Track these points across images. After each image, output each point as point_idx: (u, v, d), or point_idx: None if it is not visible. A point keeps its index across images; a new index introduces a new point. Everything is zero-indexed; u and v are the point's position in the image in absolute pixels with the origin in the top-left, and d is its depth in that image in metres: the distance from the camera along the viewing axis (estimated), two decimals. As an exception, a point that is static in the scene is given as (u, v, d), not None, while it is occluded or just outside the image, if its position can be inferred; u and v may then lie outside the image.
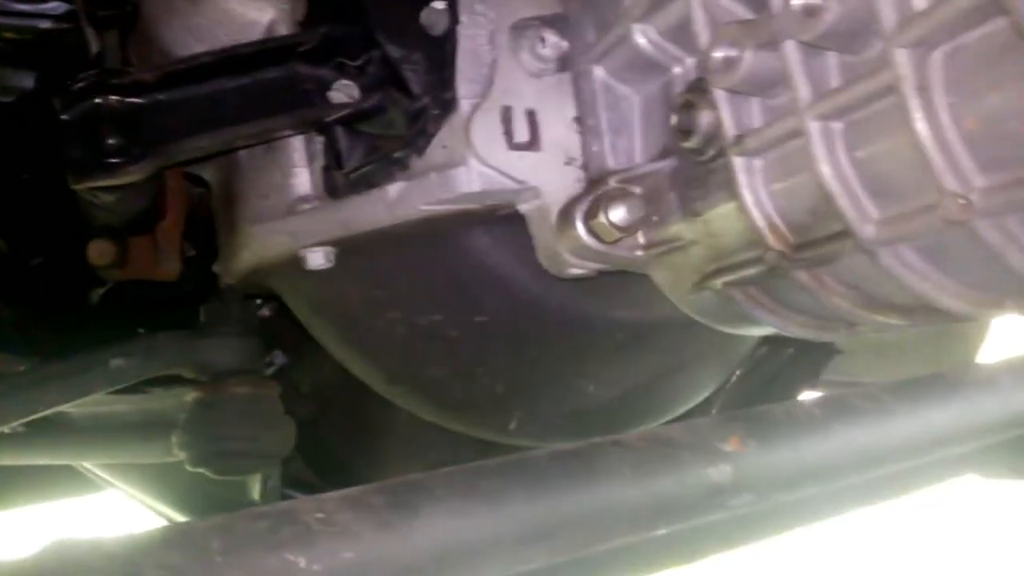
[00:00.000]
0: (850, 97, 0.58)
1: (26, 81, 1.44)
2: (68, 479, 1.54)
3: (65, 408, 1.21)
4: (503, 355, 0.97)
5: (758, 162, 0.66)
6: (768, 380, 1.45)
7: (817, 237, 0.64)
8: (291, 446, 1.01)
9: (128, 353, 0.90)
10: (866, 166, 0.60)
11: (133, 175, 0.76)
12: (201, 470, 0.92)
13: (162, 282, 1.10)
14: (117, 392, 0.99)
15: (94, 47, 0.86)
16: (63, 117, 0.73)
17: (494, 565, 0.45)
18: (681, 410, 1.16)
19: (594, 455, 0.50)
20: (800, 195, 0.64)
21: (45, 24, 1.71)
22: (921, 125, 0.54)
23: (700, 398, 1.19)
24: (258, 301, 1.31)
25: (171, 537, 0.43)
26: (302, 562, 0.42)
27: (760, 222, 0.67)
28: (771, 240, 0.67)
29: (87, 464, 1.34)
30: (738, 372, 1.47)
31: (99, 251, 0.89)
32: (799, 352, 1.40)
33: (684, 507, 0.51)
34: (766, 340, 1.45)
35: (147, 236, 0.96)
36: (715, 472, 0.51)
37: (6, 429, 1.22)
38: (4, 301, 1.48)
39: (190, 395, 0.94)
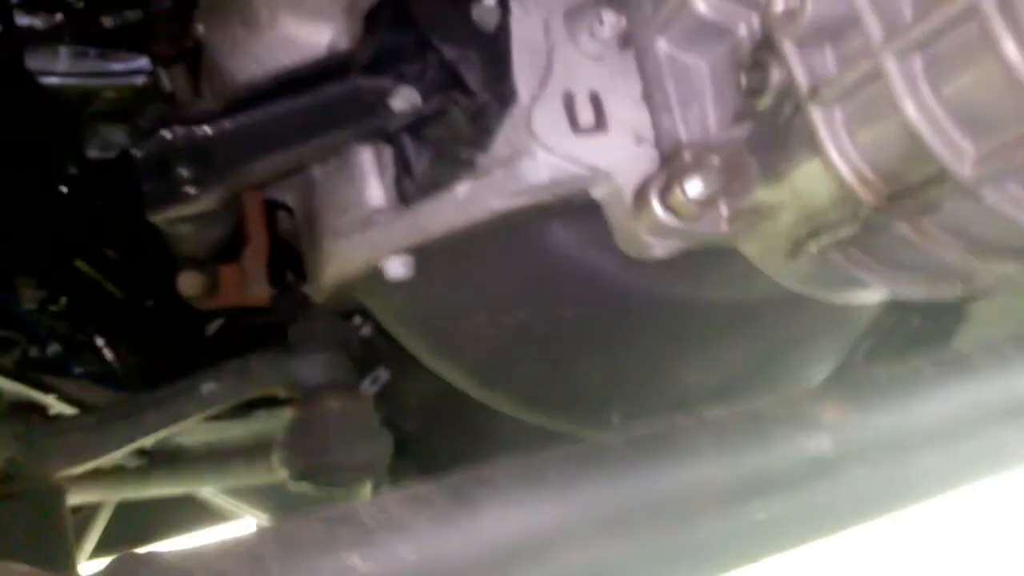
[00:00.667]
0: (927, 28, 0.53)
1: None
2: (201, 510, 1.61)
3: (179, 439, 1.25)
4: (595, 348, 0.94)
5: (838, 113, 0.61)
6: (898, 353, 1.36)
7: (912, 183, 0.59)
8: (387, 458, 1.01)
9: (220, 377, 0.93)
10: (954, 100, 0.55)
11: (206, 203, 0.77)
12: (303, 485, 0.93)
13: (267, 308, 1.13)
14: (224, 418, 1.01)
15: (167, 86, 0.89)
16: (134, 153, 0.75)
17: (569, 558, 0.43)
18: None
19: (674, 435, 0.47)
20: (887, 141, 0.59)
21: (139, 80, 1.80)
22: (1009, 45, 0.49)
23: (818, 377, 1.12)
24: (357, 320, 1.33)
25: (228, 546, 0.42)
26: (359, 563, 0.40)
27: (848, 175, 0.62)
28: (863, 193, 0.62)
29: (217, 494, 1.39)
30: (863, 349, 1.39)
31: (189, 282, 0.91)
32: (925, 320, 1.31)
33: (778, 483, 0.47)
34: (891, 312, 1.37)
35: (234, 264, 0.99)
36: (812, 444, 0.47)
37: (127, 463, 1.27)
38: (127, 347, 1.56)
39: (288, 413, 0.95)
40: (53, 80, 1.80)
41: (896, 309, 1.26)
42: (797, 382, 1.09)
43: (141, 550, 0.45)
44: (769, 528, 0.48)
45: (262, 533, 0.45)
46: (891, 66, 0.56)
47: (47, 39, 1.39)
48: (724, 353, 0.99)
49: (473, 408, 1.12)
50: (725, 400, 1.01)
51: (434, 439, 1.34)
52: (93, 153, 1.80)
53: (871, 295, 0.80)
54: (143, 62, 1.86)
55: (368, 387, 1.34)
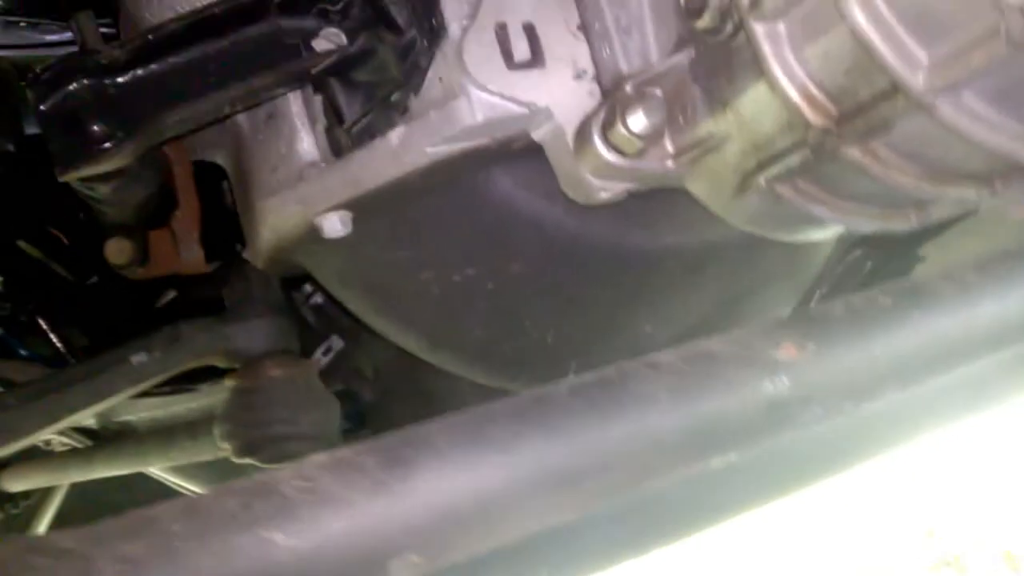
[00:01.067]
0: (873, -79, 0.49)
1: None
2: (161, 493, 1.56)
3: (129, 417, 1.20)
4: (547, 302, 0.90)
5: (782, 26, 0.57)
6: (852, 299, 1.34)
7: (862, 100, 0.55)
8: (336, 425, 0.96)
9: (150, 347, 0.88)
10: (905, 2, 0.50)
11: (121, 159, 0.72)
12: (247, 460, 0.89)
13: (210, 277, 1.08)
14: (167, 393, 0.97)
15: (75, 35, 0.83)
16: (40, 109, 0.70)
17: (514, 521, 0.39)
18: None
19: (623, 382, 0.43)
20: (835, 54, 0.55)
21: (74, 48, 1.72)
22: (963, -68, 0.45)
23: (777, 323, 1.09)
24: (308, 289, 1.28)
25: (133, 525, 0.38)
26: (280, 538, 0.36)
27: (795, 96, 0.58)
28: (811, 115, 0.58)
29: (164, 475, 1.34)
30: (818, 294, 1.37)
31: (117, 249, 0.86)
32: (877, 264, 1.28)
33: (737, 430, 0.43)
34: (842, 258, 1.34)
35: (165, 229, 0.93)
36: (770, 385, 0.43)
37: (73, 443, 1.22)
38: (76, 327, 1.50)
39: (227, 384, 0.90)
40: (-19, 54, 1.72)
41: (848, 254, 1.24)
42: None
43: (35, 535, 0.40)
44: (729, 482, 0.45)
45: (170, 507, 0.41)
46: (836, -30, 0.51)
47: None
48: (681, 302, 0.95)
49: (430, 373, 1.08)
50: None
51: (392, 407, 1.30)
52: (30, 129, 1.72)
53: (823, 232, 0.77)
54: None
55: (321, 357, 1.30)
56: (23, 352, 1.51)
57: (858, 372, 0.46)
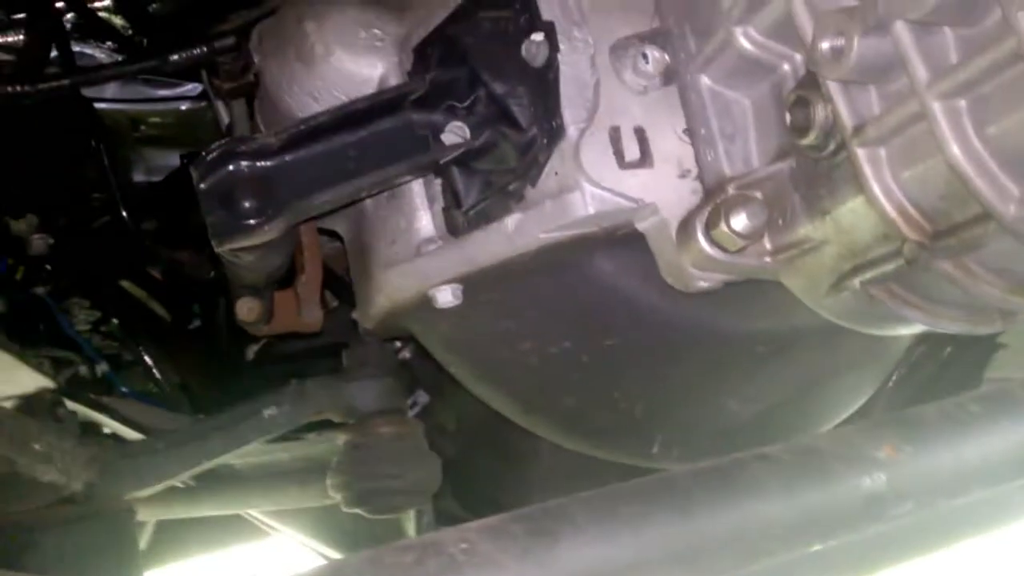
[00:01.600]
0: (972, 71, 0.54)
1: (172, 160, 1.57)
2: (238, 527, 1.63)
3: (230, 460, 1.28)
4: (638, 377, 0.95)
5: (883, 151, 0.63)
6: (929, 382, 1.36)
7: (956, 222, 0.60)
8: (438, 482, 1.03)
9: (279, 402, 0.96)
10: (999, 141, 0.56)
11: (269, 233, 0.81)
12: (356, 510, 0.96)
13: (309, 334, 1.16)
14: (275, 440, 1.04)
15: (225, 119, 0.92)
16: (200, 186, 0.79)
17: None
18: (837, 419, 1.10)
19: (738, 471, 0.48)
20: (932, 181, 0.60)
21: (184, 106, 1.86)
22: (1057, 89, 0.50)
23: (856, 406, 1.13)
24: (398, 344, 1.36)
25: (326, 572, 0.44)
26: None
27: (892, 213, 0.63)
28: (906, 230, 0.63)
29: (253, 512, 1.41)
30: (895, 376, 1.39)
31: (247, 309, 0.95)
32: (957, 349, 1.31)
33: (838, 520, 0.48)
34: (922, 340, 1.37)
35: (289, 291, 1.02)
36: (869, 481, 0.48)
37: (178, 483, 1.31)
38: (171, 366, 1.60)
39: (340, 438, 0.98)
40: (102, 106, 1.87)
41: (928, 338, 1.26)
42: (836, 410, 1.10)
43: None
44: (826, 563, 0.49)
45: (356, 561, 0.46)
46: (936, 107, 0.57)
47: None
48: (765, 382, 0.99)
49: (509, 431, 1.14)
50: (766, 428, 1.03)
51: (473, 463, 1.36)
52: (139, 177, 1.86)
53: (911, 328, 0.81)
54: (188, 88, 1.92)
55: (408, 410, 1.37)
56: (123, 389, 1.61)
57: (949, 473, 0.51)
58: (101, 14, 1.65)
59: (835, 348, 0.98)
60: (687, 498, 0.45)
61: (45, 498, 0.81)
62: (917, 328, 0.83)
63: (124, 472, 0.90)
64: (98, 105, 1.81)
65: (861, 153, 0.62)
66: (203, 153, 0.81)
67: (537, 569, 0.42)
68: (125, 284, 1.61)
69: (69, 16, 1.66)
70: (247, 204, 0.79)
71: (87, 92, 1.73)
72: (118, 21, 1.70)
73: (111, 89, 1.93)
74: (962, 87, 0.56)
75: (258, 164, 0.81)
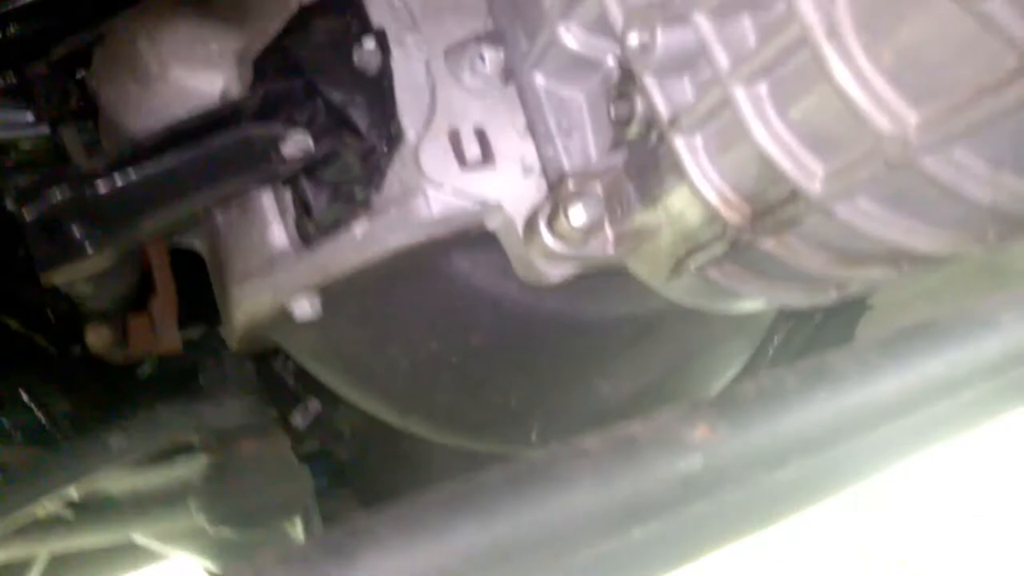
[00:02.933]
0: (767, 56, 0.56)
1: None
2: (136, 554, 1.58)
3: (108, 487, 1.24)
4: (508, 370, 0.96)
5: (698, 139, 0.64)
6: (805, 346, 1.41)
7: (771, 203, 0.63)
8: (305, 496, 1.01)
9: (128, 430, 0.92)
10: (800, 123, 0.58)
11: (100, 263, 0.77)
12: (222, 531, 0.93)
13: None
14: (144, 465, 1.01)
15: (61, 144, 0.88)
16: (23, 216, 0.75)
17: None
18: (713, 390, 1.14)
19: (550, 467, 0.49)
20: (745, 164, 0.62)
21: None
22: (839, 71, 0.52)
23: (730, 375, 1.16)
24: (285, 356, 1.33)
25: None
26: None
27: (713, 198, 0.65)
28: (727, 213, 0.65)
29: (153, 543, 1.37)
30: (775, 342, 1.44)
31: (96, 336, 0.91)
32: (827, 314, 1.36)
33: (654, 505, 0.49)
34: (793, 311, 1.42)
35: (143, 314, 0.98)
36: (684, 464, 0.50)
37: (59, 514, 1.25)
38: (58, 395, 1.53)
39: (202, 459, 0.95)
40: (-39, 134, 1.76)
41: (796, 310, 1.31)
42: (710, 382, 1.13)
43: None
44: (648, 550, 0.50)
45: None
46: (738, 92, 0.59)
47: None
48: (635, 364, 1.02)
49: (404, 434, 1.13)
50: (641, 407, 1.05)
51: (370, 466, 1.35)
52: (11, 205, 1.76)
53: (755, 304, 0.84)
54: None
55: (299, 419, 1.35)
56: (4, 422, 1.54)
57: (766, 447, 0.52)
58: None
59: (699, 325, 1.01)
60: (495, 500, 0.46)
61: None
62: (761, 303, 0.86)
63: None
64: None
65: (678, 142, 0.64)
66: (22, 180, 0.77)
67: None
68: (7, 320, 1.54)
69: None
70: (74, 231, 0.76)
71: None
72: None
73: (-29, 115, 1.83)
74: (760, 72, 0.58)
75: (85, 188, 0.77)
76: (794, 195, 0.61)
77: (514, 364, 0.96)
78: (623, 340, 0.97)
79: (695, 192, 0.65)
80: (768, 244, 0.65)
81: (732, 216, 0.64)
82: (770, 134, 0.59)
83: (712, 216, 0.66)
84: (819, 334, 1.45)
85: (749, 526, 0.54)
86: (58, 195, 0.75)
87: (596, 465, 0.47)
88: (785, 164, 0.59)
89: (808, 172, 0.59)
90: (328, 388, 1.33)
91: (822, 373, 0.57)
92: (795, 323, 1.45)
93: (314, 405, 1.37)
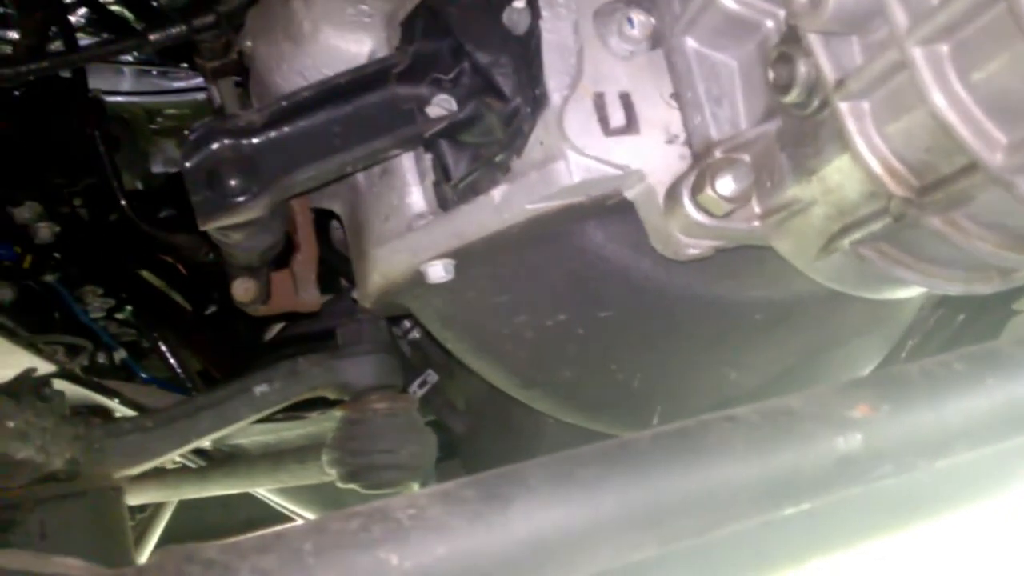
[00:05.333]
0: (953, 14, 0.52)
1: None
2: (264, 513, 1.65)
3: (240, 441, 1.30)
4: (635, 349, 0.94)
5: (866, 105, 0.61)
6: (942, 349, 1.33)
7: (943, 176, 0.59)
8: (433, 457, 1.03)
9: (271, 379, 0.96)
10: (983, 87, 0.54)
11: (255, 211, 0.80)
12: (351, 485, 0.96)
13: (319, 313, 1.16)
14: (279, 419, 1.04)
15: (216, 100, 0.92)
16: (185, 166, 0.79)
17: (597, 555, 0.43)
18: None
19: (703, 433, 0.47)
20: (916, 133, 0.59)
21: (200, 96, 1.87)
22: (1038, 29, 0.48)
23: (863, 373, 1.11)
24: (407, 324, 1.36)
25: (267, 541, 0.44)
26: (394, 559, 0.41)
27: (878, 168, 0.61)
28: (893, 186, 0.61)
29: (267, 496, 1.43)
30: (909, 344, 1.37)
31: (243, 289, 0.95)
32: (971, 316, 1.28)
33: (810, 482, 0.46)
34: (936, 307, 1.34)
35: (285, 271, 1.02)
36: (843, 441, 0.47)
37: (190, 463, 1.32)
38: (190, 352, 1.62)
39: (337, 414, 0.98)
40: (118, 99, 1.89)
41: (940, 306, 1.24)
42: (841, 378, 1.07)
43: (184, 545, 0.47)
44: (800, 530, 0.48)
45: (301, 528, 0.47)
46: (917, 54, 0.55)
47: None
48: (766, 352, 0.98)
49: (518, 408, 1.13)
50: (768, 398, 1.01)
51: (481, 439, 1.36)
52: (157, 168, 1.88)
53: (908, 291, 0.79)
54: (202, 79, 1.92)
55: (417, 389, 1.37)
56: (143, 375, 1.64)
57: (929, 433, 0.49)
58: (113, 7, 1.66)
59: (837, 315, 0.97)
60: (647, 460, 0.44)
61: (25, 476, 0.82)
62: (914, 290, 0.81)
63: (110, 451, 0.90)
64: (114, 99, 1.83)
65: (844, 107, 0.61)
66: (187, 132, 0.81)
67: (487, 532, 0.41)
68: (145, 274, 1.63)
69: (82, 11, 1.68)
70: (232, 182, 0.79)
71: (102, 85, 1.75)
72: (130, 15, 1.71)
73: (127, 82, 1.95)
74: (943, 31, 0.54)
75: (242, 142, 0.80)
76: (971, 167, 0.56)
77: (641, 342, 0.94)
78: (756, 325, 0.94)
79: (858, 162, 0.62)
80: (935, 222, 0.61)
81: (898, 189, 0.60)
82: (949, 99, 0.55)
83: (874, 190, 0.63)
84: (960, 337, 1.36)
85: (903, 519, 0.50)
86: (218, 146, 0.78)
87: (750, 434, 0.45)
88: (964, 132, 0.55)
89: (989, 141, 0.54)
90: (444, 362, 1.35)
91: (993, 359, 0.53)
92: (934, 324, 1.37)
93: (431, 377, 1.39)
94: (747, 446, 0.45)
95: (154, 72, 2.00)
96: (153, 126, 1.93)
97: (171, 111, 1.94)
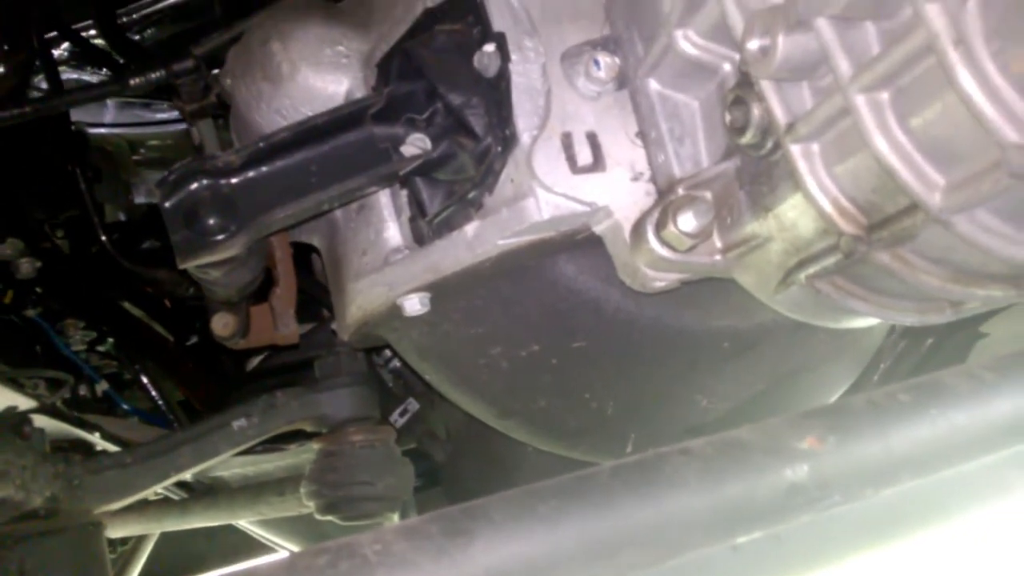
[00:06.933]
0: (890, 64, 0.56)
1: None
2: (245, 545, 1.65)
3: (222, 473, 1.31)
4: (607, 377, 0.97)
5: (815, 147, 0.64)
6: (912, 373, 1.36)
7: (888, 214, 0.62)
8: (409, 488, 1.04)
9: (249, 414, 0.97)
10: (921, 133, 0.57)
11: (233, 249, 0.82)
12: (329, 517, 0.97)
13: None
14: (258, 452, 1.06)
15: (196, 139, 0.95)
16: (164, 206, 0.81)
17: None
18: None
19: (658, 465, 0.49)
20: (862, 174, 0.62)
21: (182, 127, 1.89)
22: (966, 79, 0.51)
23: (831, 398, 1.13)
24: (387, 354, 1.38)
25: None
26: None
27: (828, 207, 0.64)
28: (842, 224, 0.64)
29: (248, 527, 1.43)
30: (881, 367, 1.39)
31: (222, 324, 0.96)
32: (938, 340, 1.31)
33: (761, 512, 0.49)
34: (905, 333, 1.37)
35: (264, 304, 1.04)
36: (791, 472, 0.49)
37: (172, 496, 1.32)
38: (173, 382, 1.62)
39: (315, 446, 0.99)
40: (101, 131, 1.90)
41: (908, 331, 1.27)
42: (810, 404, 1.10)
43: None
44: (752, 558, 0.50)
45: (272, 566, 0.48)
46: (859, 100, 0.58)
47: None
48: (735, 379, 1.00)
49: (498, 437, 1.15)
50: (739, 424, 1.03)
51: (462, 467, 1.37)
52: (140, 199, 1.89)
53: (868, 320, 0.82)
54: (187, 109, 1.94)
55: (398, 418, 1.39)
56: (125, 406, 1.64)
57: (876, 462, 0.51)
58: (96, 41, 1.68)
59: (804, 342, 0.99)
60: (606, 493, 0.46)
61: (5, 515, 0.83)
62: (872, 319, 0.84)
63: (90, 487, 0.91)
64: (97, 130, 1.85)
65: (795, 149, 0.64)
66: (167, 173, 0.83)
67: (452, 568, 0.43)
68: (126, 305, 1.64)
69: (65, 45, 1.70)
70: (210, 221, 0.81)
71: (84, 118, 1.77)
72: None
73: (110, 114, 1.97)
74: (883, 79, 0.57)
75: (220, 182, 0.83)
76: (913, 207, 0.59)
77: (613, 371, 0.97)
78: (724, 353, 0.96)
79: (810, 201, 0.65)
80: (883, 258, 0.64)
81: (847, 227, 0.63)
82: (890, 143, 0.58)
83: (826, 227, 0.65)
84: (928, 361, 1.39)
85: (852, 546, 0.53)
86: (197, 186, 0.80)
87: (704, 466, 0.47)
88: (905, 175, 0.58)
89: (929, 183, 0.58)
90: (425, 391, 1.37)
91: (936, 389, 0.55)
92: (904, 348, 1.40)
93: (412, 405, 1.40)
94: (700, 478, 0.48)
95: (137, 104, 2.02)
96: (136, 157, 1.94)
97: (154, 142, 1.96)
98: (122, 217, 1.84)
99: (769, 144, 0.68)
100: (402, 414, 1.39)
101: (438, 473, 1.44)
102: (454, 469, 1.41)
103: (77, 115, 1.67)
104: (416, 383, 1.36)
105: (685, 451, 0.48)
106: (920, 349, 1.36)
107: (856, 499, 0.50)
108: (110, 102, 1.97)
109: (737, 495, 0.48)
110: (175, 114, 1.93)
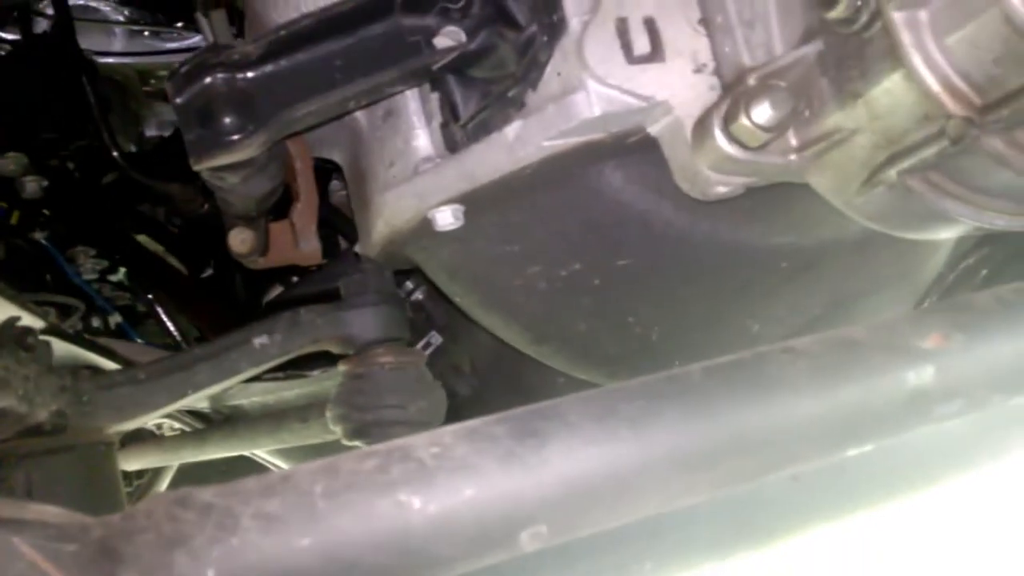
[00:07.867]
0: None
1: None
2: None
3: (240, 401, 1.25)
4: (653, 299, 0.89)
5: (923, 14, 0.55)
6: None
7: (1011, 90, 0.53)
8: (442, 414, 0.98)
9: (271, 330, 0.91)
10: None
11: (251, 150, 0.75)
12: (356, 443, 0.91)
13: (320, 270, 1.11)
14: (279, 379, 1.00)
15: (209, 36, 0.87)
16: (176, 101, 0.73)
17: (643, 500, 0.38)
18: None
19: (761, 365, 0.42)
20: (985, 41, 0.53)
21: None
22: None
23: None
24: (410, 285, 1.31)
25: (272, 483, 0.39)
26: (417, 502, 0.37)
27: (935, 86, 0.56)
28: (952, 106, 0.56)
29: (274, 461, 1.38)
30: (928, 302, 1.32)
31: (240, 240, 0.89)
32: (991, 272, 1.23)
33: (877, 419, 0.42)
34: (955, 264, 1.30)
35: (284, 221, 0.96)
36: (914, 375, 0.42)
37: (185, 426, 1.27)
38: (188, 316, 1.57)
39: (341, 369, 0.93)
40: (109, 60, 1.82)
41: (962, 261, 1.20)
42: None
43: (176, 490, 0.42)
44: (866, 475, 0.43)
45: (310, 469, 0.41)
46: (986, -47, 0.50)
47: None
48: (790, 302, 0.93)
49: (526, 369, 1.09)
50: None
51: (488, 402, 1.31)
52: (151, 131, 1.82)
53: (948, 231, 0.74)
54: (195, 40, 1.87)
55: (421, 351, 1.33)
56: (139, 340, 1.59)
57: (1007, 366, 0.44)
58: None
59: (865, 264, 0.92)
60: (701, 394, 0.39)
61: (8, 428, 0.77)
62: (956, 229, 0.76)
63: (100, 404, 0.85)
64: (106, 60, 1.77)
65: (898, 18, 0.55)
66: (179, 65, 0.75)
67: (523, 474, 0.36)
68: (141, 238, 1.59)
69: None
70: (226, 119, 0.73)
71: (92, 46, 1.69)
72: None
73: (118, 43, 1.89)
74: (1017, -75, 0.48)
75: (236, 76, 0.75)
76: (1043, 79, 0.51)
77: (660, 292, 0.89)
78: (781, 273, 0.89)
79: (913, 81, 0.56)
80: (995, 144, 0.56)
81: (957, 109, 0.55)
82: None
83: (929, 111, 0.57)
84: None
85: (979, 459, 0.46)
86: (211, 80, 0.72)
87: (814, 366, 0.40)
88: (1039, 37, 0.49)
89: (1067, 47, 0.49)
90: (448, 324, 1.30)
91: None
92: (956, 280, 1.33)
93: (435, 338, 1.34)
94: (809, 380, 0.41)
95: (146, 32, 1.95)
96: (146, 88, 1.87)
97: (164, 73, 1.88)
98: (132, 149, 1.77)
99: (864, 17, 0.59)
100: (425, 347, 1.33)
101: (461, 409, 1.39)
102: (479, 404, 1.35)
103: (85, 43, 1.59)
104: (439, 316, 1.30)
105: (789, 350, 0.41)
106: (974, 281, 1.28)
107: (982, 406, 0.43)
108: (118, 30, 1.89)
109: (853, 400, 0.40)
110: (187, 43, 1.86)
